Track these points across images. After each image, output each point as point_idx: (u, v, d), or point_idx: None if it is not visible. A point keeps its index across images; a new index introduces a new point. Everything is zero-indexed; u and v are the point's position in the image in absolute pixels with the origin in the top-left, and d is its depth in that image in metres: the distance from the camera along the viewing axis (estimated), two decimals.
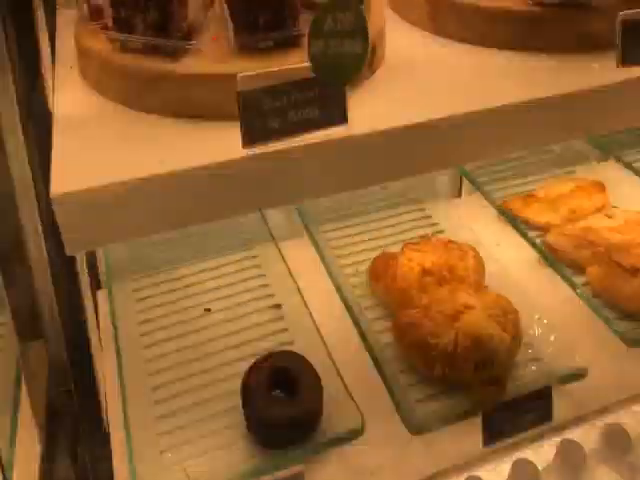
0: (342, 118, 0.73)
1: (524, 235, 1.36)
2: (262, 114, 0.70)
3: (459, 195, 1.68)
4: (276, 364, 1.10)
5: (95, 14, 0.80)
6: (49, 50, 0.88)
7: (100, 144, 0.74)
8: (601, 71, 0.86)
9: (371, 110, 0.79)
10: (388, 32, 0.94)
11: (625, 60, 0.81)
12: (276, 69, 0.69)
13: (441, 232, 1.47)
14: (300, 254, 1.45)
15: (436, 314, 1.10)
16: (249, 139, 0.70)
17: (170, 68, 0.76)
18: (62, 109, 0.80)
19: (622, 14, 0.80)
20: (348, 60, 0.70)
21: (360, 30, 0.70)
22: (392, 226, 1.51)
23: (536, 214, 1.42)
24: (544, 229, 1.40)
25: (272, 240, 1.44)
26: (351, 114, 0.74)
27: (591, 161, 1.59)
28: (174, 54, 0.77)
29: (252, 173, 0.73)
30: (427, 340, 1.09)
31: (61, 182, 0.67)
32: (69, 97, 0.83)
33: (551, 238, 1.35)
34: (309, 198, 0.77)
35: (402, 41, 0.96)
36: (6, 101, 0.82)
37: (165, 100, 0.77)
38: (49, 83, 0.83)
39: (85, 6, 0.82)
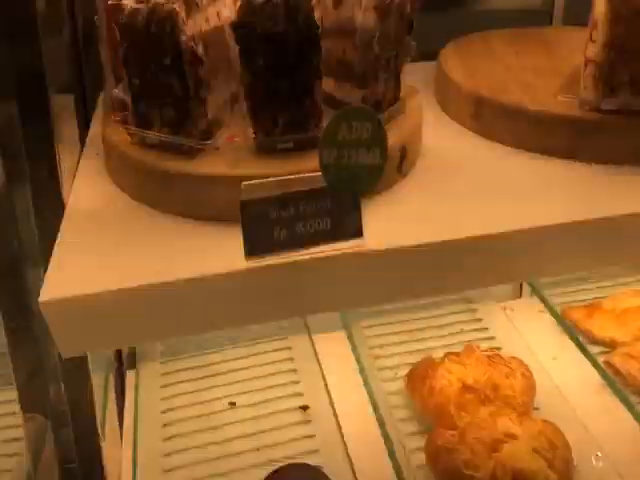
0: (356, 231, 0.66)
1: (584, 351, 1.22)
2: (267, 224, 0.64)
3: (519, 296, 1.55)
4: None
5: (118, 106, 0.79)
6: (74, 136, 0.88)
7: (103, 243, 0.70)
8: None
9: (395, 221, 0.72)
10: (429, 128, 0.89)
11: None
12: (284, 177, 0.64)
13: (491, 339, 1.34)
14: (336, 349, 1.37)
15: (473, 441, 0.98)
16: (252, 250, 0.64)
17: (182, 167, 0.72)
18: (76, 197, 0.78)
19: None
20: (364, 171, 0.64)
21: (378, 140, 0.64)
22: (438, 327, 1.40)
23: (600, 328, 1.27)
24: (609, 346, 1.25)
25: (307, 332, 1.37)
26: (371, 225, 0.67)
27: None
28: (190, 153, 0.73)
29: (255, 286, 0.67)
30: (461, 470, 0.97)
31: (53, 286, 0.64)
32: (87, 185, 0.81)
33: (616, 359, 1.19)
34: (316, 313, 0.70)
35: (443, 141, 0.89)
36: (20, 187, 0.80)
37: (175, 199, 0.73)
38: (64, 168, 0.81)
39: (110, 97, 0.80)
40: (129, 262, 0.67)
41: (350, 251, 0.66)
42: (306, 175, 0.64)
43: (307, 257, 0.66)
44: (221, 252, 0.67)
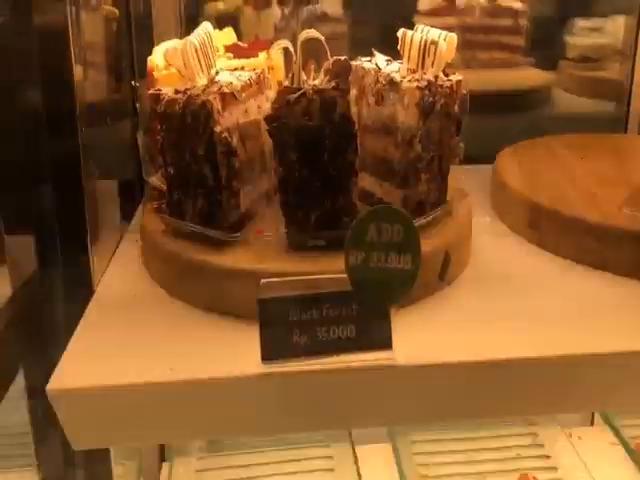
0: (385, 342, 0.60)
1: None
2: (286, 326, 0.59)
3: (591, 423, 1.39)
4: None
5: (155, 194, 0.78)
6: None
7: (122, 333, 0.67)
8: None
9: (431, 334, 0.65)
10: (481, 235, 0.83)
11: None
12: (306, 277, 0.59)
13: (552, 469, 1.20)
14: (379, 462, 1.25)
15: None
16: (268, 354, 0.59)
17: (207, 259, 0.69)
18: (106, 283, 0.77)
19: None
20: (394, 277, 0.59)
21: (410, 244, 0.58)
22: (494, 449, 1.26)
23: None
24: None
25: (350, 442, 1.27)
26: (403, 336, 0.61)
27: None
28: (219, 244, 0.71)
29: (269, 393, 0.61)
30: None
31: (63, 375, 0.62)
32: (119, 271, 0.80)
33: None
34: (335, 429, 0.63)
35: (494, 249, 0.83)
36: (52, 272, 0.80)
37: (200, 292, 0.70)
38: (103, 253, 0.80)
39: (149, 185, 0.80)
40: (144, 356, 0.63)
41: (377, 364, 0.60)
42: (331, 276, 0.59)
43: (328, 367, 0.60)
44: (239, 352, 0.62)
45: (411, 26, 1.38)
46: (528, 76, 1.34)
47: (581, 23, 1.36)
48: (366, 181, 0.80)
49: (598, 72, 1.35)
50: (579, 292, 0.73)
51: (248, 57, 0.84)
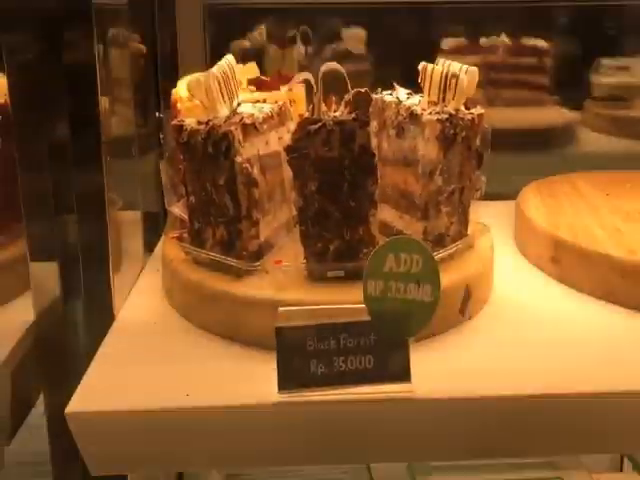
0: (403, 375, 0.59)
1: None
2: (303, 356, 0.58)
3: (620, 469, 1.34)
4: None
5: (176, 223, 0.79)
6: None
7: (140, 359, 0.68)
8: None
9: (451, 367, 0.64)
10: (503, 270, 0.82)
11: None
12: (324, 307, 0.59)
13: None
14: None
15: None
16: (285, 383, 0.58)
17: (225, 288, 0.69)
18: (127, 311, 0.77)
19: None
20: (412, 308, 0.58)
21: (429, 276, 0.58)
22: None
23: None
24: None
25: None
26: (423, 369, 0.60)
27: None
28: (238, 273, 0.71)
29: (287, 423, 0.60)
30: None
31: (82, 398, 0.62)
32: (140, 299, 0.80)
33: None
34: (353, 464, 0.61)
35: (517, 284, 0.82)
36: (74, 299, 0.80)
37: (218, 320, 0.70)
38: (125, 281, 0.81)
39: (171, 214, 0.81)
40: (161, 382, 0.63)
41: (394, 396, 0.59)
42: (349, 306, 0.59)
43: (346, 398, 0.59)
44: (256, 381, 0.61)
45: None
46: (553, 115, 1.34)
47: (606, 62, 1.36)
48: (386, 213, 0.80)
49: (625, 111, 1.35)
50: (601, 328, 0.71)
51: (270, 90, 0.86)
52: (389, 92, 0.82)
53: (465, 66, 0.78)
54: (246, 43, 1.30)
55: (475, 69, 0.77)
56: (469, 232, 0.78)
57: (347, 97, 0.72)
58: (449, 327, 0.70)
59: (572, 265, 0.80)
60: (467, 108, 0.77)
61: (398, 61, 1.31)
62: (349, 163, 0.68)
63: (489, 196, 1.08)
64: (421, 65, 0.78)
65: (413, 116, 0.74)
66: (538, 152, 1.33)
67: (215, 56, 1.24)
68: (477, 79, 0.77)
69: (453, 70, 0.76)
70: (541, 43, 1.36)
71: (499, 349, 0.67)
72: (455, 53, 1.38)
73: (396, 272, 0.58)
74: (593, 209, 0.91)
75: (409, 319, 0.58)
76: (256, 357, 0.65)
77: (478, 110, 0.77)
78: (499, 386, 0.61)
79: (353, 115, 0.69)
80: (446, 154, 0.73)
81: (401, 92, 0.81)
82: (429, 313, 0.59)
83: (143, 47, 0.99)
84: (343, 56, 1.31)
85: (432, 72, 0.77)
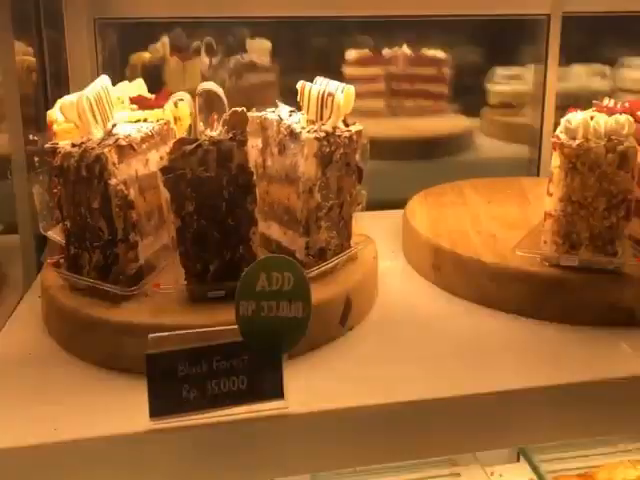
0: (277, 393, 0.59)
1: None
2: (175, 381, 0.58)
3: (518, 459, 1.41)
4: None
5: (53, 249, 0.77)
6: None
7: (9, 393, 0.65)
8: (632, 356, 0.69)
9: (329, 381, 0.65)
10: (388, 279, 0.85)
11: None
12: (195, 330, 0.59)
13: None
14: None
15: None
16: (157, 410, 0.58)
17: (100, 314, 0.68)
18: (3, 341, 0.74)
19: None
20: (285, 326, 0.59)
21: (300, 292, 0.59)
22: None
23: None
24: None
25: None
26: (299, 384, 0.61)
27: None
28: (115, 299, 0.69)
29: (161, 449, 0.59)
30: None
31: None
32: (18, 328, 0.77)
33: None
34: None
35: (400, 293, 0.84)
36: None
37: (94, 348, 0.68)
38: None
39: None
40: (29, 417, 0.61)
41: (268, 414, 0.59)
42: (221, 328, 0.59)
43: (219, 420, 0.59)
44: (130, 409, 0.60)
45: (339, 75, 1.43)
46: (453, 122, 1.39)
47: (500, 71, 1.43)
48: (273, 229, 0.81)
49: (515, 118, 1.41)
50: (474, 331, 0.75)
51: (154, 108, 0.85)
52: (272, 110, 0.83)
53: (342, 85, 0.79)
54: (146, 55, 1.28)
55: (351, 88, 0.79)
56: (352, 244, 0.80)
57: (224, 117, 0.72)
58: (330, 339, 0.72)
59: (450, 272, 0.83)
60: (346, 125, 0.79)
61: (304, 72, 1.33)
62: (227, 182, 0.69)
63: (392, 204, 1.11)
64: (299, 84, 0.80)
65: (293, 134, 0.76)
66: (439, 159, 1.38)
67: (109, 71, 1.22)
68: (354, 97, 0.79)
69: (330, 89, 0.77)
70: (440, 54, 1.41)
71: (377, 358, 0.69)
72: (358, 64, 1.42)
73: (268, 291, 0.59)
74: (474, 216, 0.95)
75: (282, 337, 0.59)
76: (133, 385, 0.63)
77: (356, 127, 0.79)
78: (372, 395, 0.62)
79: (230, 135, 0.70)
80: (324, 171, 0.74)
81: (283, 110, 0.82)
82: (301, 329, 0.60)
83: (31, 61, 0.95)
84: (248, 67, 1.31)
85: (310, 91, 0.78)
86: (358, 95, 1.44)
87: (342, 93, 0.77)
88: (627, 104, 0.87)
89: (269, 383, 0.59)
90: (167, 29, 1.25)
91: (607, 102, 0.89)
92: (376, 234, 0.89)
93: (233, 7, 1.19)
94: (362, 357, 0.69)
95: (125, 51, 1.25)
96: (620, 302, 0.72)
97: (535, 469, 1.19)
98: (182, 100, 0.75)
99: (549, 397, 0.66)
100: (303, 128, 0.76)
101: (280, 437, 0.60)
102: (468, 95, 1.42)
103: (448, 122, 1.40)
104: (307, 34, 1.32)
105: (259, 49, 1.33)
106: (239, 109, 0.72)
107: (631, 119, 0.74)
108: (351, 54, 1.40)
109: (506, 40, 1.39)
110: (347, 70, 1.40)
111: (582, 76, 1.52)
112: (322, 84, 0.80)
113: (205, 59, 1.29)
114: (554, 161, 0.76)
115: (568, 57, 1.44)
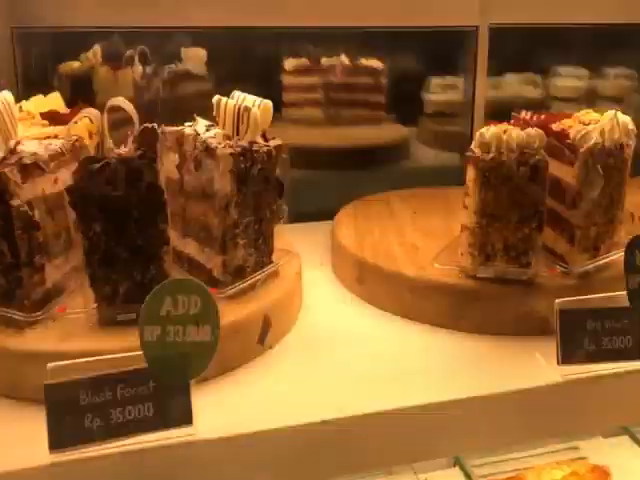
0: (185, 419, 0.58)
1: None
2: (77, 411, 0.55)
3: (455, 465, 1.42)
4: None
5: None
6: None
7: None
8: (545, 366, 0.70)
9: (244, 404, 0.64)
10: (313, 292, 0.84)
11: (565, 358, 0.64)
12: (97, 358, 0.56)
13: None
14: None
15: None
16: (57, 442, 0.55)
17: (4, 342, 0.64)
18: None
19: (559, 302, 0.65)
20: (193, 350, 0.57)
21: (208, 315, 0.57)
22: None
23: None
24: None
25: None
26: (208, 410, 0.59)
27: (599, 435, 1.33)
28: (19, 325, 0.66)
29: None
30: None
31: None
32: None
33: None
34: None
35: (325, 307, 0.83)
36: None
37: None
38: None
39: None
40: None
41: (176, 442, 0.58)
42: (124, 355, 0.57)
43: (124, 449, 0.57)
44: (32, 442, 0.57)
45: (278, 85, 1.42)
46: (390, 131, 1.40)
47: (436, 81, 1.45)
48: (191, 247, 0.79)
49: (450, 126, 1.43)
50: (396, 345, 0.75)
51: (66, 123, 0.82)
52: (190, 124, 0.81)
53: (259, 99, 0.78)
54: (74, 65, 1.24)
55: (269, 102, 0.78)
56: (273, 260, 0.79)
57: (134, 134, 0.70)
58: (248, 359, 0.70)
59: (374, 285, 0.83)
60: (265, 140, 0.78)
61: (241, 81, 1.31)
62: (136, 201, 0.67)
63: (331, 214, 1.10)
64: (215, 98, 0.78)
65: (208, 150, 0.74)
66: (377, 168, 1.38)
67: (29, 83, 1.18)
68: (271, 112, 0.78)
69: (246, 104, 0.76)
70: (377, 63, 1.42)
71: (295, 377, 0.68)
72: (297, 74, 1.42)
73: (174, 315, 0.57)
74: (399, 228, 0.95)
75: (189, 362, 0.58)
76: (36, 416, 0.59)
77: (276, 141, 0.78)
78: (287, 416, 0.61)
79: (139, 152, 0.68)
80: (241, 187, 0.73)
81: (200, 124, 0.80)
82: (210, 353, 0.58)
83: None
84: (183, 77, 1.29)
85: (226, 105, 0.77)
86: (296, 104, 1.46)
87: (259, 108, 0.76)
88: (543, 117, 0.90)
89: (177, 409, 0.58)
90: (101, 37, 1.22)
91: (524, 114, 0.91)
92: (308, 246, 0.89)
93: (168, 17, 1.17)
94: (280, 377, 0.68)
95: (56, 60, 1.21)
96: (534, 312, 0.73)
97: (467, 475, 1.20)
98: (85, 117, 0.73)
99: (470, 408, 0.67)
100: (219, 143, 0.74)
101: (189, 464, 0.59)
102: (406, 104, 1.44)
103: (386, 131, 1.41)
104: (245, 43, 1.31)
105: (195, 58, 1.31)
106: (149, 125, 0.70)
107: (542, 132, 0.75)
108: (289, 63, 1.40)
109: (442, 50, 1.41)
110: (285, 79, 1.40)
111: (515, 85, 1.56)
112: (239, 98, 0.79)
113: (139, 68, 1.26)
114: (469, 175, 0.77)
115: (503, 66, 1.47)
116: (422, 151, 1.44)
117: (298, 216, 1.25)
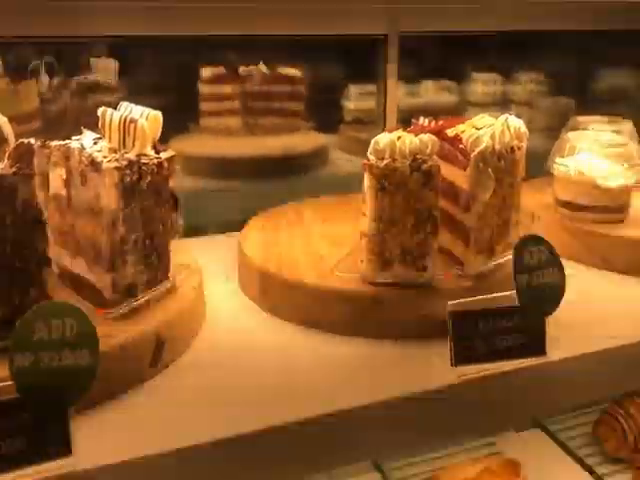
0: (64, 449, 0.54)
1: None
2: None
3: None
4: None
5: None
6: None
7: None
8: (442, 368, 0.70)
9: (128, 430, 0.60)
10: (218, 307, 0.82)
11: (458, 359, 0.65)
12: None
13: None
14: None
15: None
16: None
17: None
18: None
19: (450, 304, 0.65)
20: (70, 376, 0.54)
21: (85, 339, 0.54)
22: None
23: None
24: None
25: None
26: (91, 438, 0.57)
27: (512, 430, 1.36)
28: None
29: None
30: None
31: None
32: None
33: None
34: None
35: (226, 322, 0.81)
36: None
37: None
38: None
39: None
40: None
41: (57, 473, 0.54)
42: None
43: None
44: None
45: (195, 93, 1.39)
46: (309, 139, 1.39)
47: (354, 88, 1.45)
48: (82, 267, 0.76)
49: (367, 134, 1.44)
50: (299, 355, 0.73)
51: None
52: (77, 137, 0.78)
53: (147, 110, 0.76)
54: None
55: (158, 114, 0.76)
56: (170, 276, 0.77)
57: (9, 150, 0.66)
58: (139, 382, 0.67)
59: (277, 295, 0.81)
60: (157, 151, 0.76)
61: (156, 91, 1.27)
62: (11, 221, 0.63)
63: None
64: (100, 110, 0.75)
65: (94, 164, 0.71)
66: (295, 176, 1.37)
67: None
68: (161, 123, 0.76)
69: (132, 115, 0.74)
70: (294, 71, 1.41)
71: (188, 399, 0.66)
72: (214, 82, 1.39)
73: (47, 340, 0.54)
74: (306, 236, 0.94)
75: (66, 389, 0.54)
76: None
77: (167, 153, 0.76)
78: (174, 439, 0.59)
79: (14, 169, 0.64)
80: (128, 202, 0.70)
81: (88, 138, 0.77)
82: (89, 378, 0.55)
83: None
84: (91, 87, 1.24)
85: (111, 117, 0.74)
86: (214, 113, 1.43)
87: (147, 118, 0.74)
88: (440, 122, 0.91)
89: (55, 440, 0.54)
90: (3, 49, 1.16)
91: (422, 121, 0.92)
92: (218, 258, 0.86)
93: (73, 27, 1.12)
94: (171, 400, 0.65)
95: None
96: (434, 315, 0.73)
97: (384, 476, 1.21)
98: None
99: (375, 413, 0.66)
100: (105, 157, 0.71)
101: None
102: (325, 112, 1.44)
103: (305, 139, 1.40)
104: (160, 52, 1.28)
105: (104, 69, 1.27)
106: (25, 141, 0.66)
107: (435, 138, 0.76)
108: (206, 72, 1.37)
109: (359, 59, 1.42)
110: (202, 88, 1.37)
111: (430, 92, 1.59)
112: (125, 110, 0.76)
113: (45, 80, 1.21)
114: (365, 182, 0.77)
115: (420, 74, 1.50)
116: (342, 158, 1.44)
117: (217, 227, 1.23)
